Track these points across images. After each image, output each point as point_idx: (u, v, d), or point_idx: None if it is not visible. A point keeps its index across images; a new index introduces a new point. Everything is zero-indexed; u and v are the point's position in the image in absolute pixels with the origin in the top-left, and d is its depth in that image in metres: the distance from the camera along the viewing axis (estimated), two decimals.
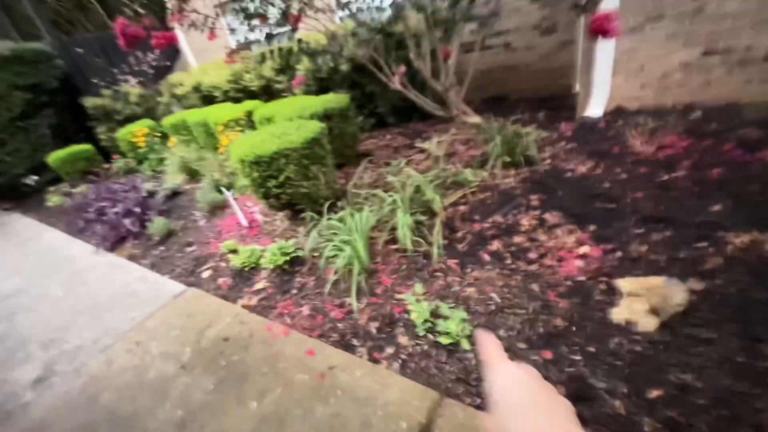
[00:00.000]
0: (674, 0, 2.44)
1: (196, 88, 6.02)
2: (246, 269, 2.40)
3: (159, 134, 5.65)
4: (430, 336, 1.66)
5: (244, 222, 2.92)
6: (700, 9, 2.40)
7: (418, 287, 1.84)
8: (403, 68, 2.62)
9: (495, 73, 4.66)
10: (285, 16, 2.85)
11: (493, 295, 1.80)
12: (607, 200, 2.17)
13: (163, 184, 4.25)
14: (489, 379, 0.44)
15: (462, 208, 2.42)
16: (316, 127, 2.56)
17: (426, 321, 1.69)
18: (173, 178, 4.46)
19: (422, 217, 2.23)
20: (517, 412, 0.39)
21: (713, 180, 2.03)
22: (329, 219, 2.34)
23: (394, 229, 2.20)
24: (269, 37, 3.24)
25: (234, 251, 2.66)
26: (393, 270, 2.11)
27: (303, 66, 4.56)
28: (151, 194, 4.04)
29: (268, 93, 5.46)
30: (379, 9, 2.53)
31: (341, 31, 2.90)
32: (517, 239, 2.15)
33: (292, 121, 2.99)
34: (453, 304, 1.78)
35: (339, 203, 2.66)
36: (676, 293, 1.47)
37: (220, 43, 6.88)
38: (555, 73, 4.32)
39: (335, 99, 3.40)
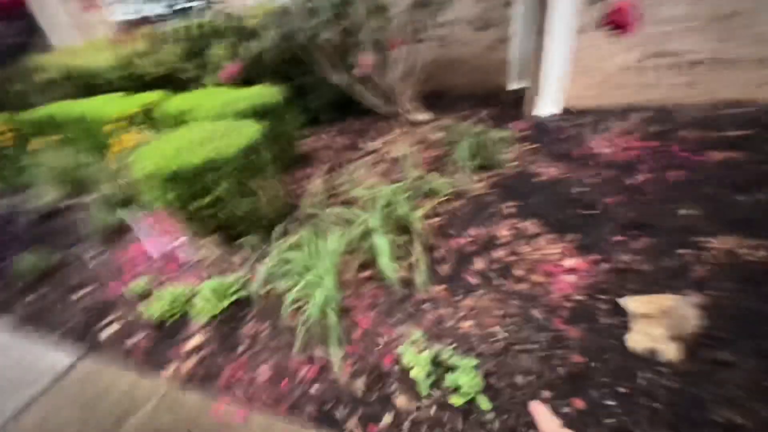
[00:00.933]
0: None
1: (68, 74, 4.76)
2: (169, 321, 1.81)
3: (14, 133, 4.32)
4: (435, 392, 1.36)
5: (156, 253, 2.25)
6: (646, 11, 2.45)
7: (416, 334, 1.51)
8: (369, 59, 2.22)
9: (430, 68, 4.48)
10: None
11: (496, 328, 1.56)
12: (583, 206, 2.09)
13: (29, 203, 3.20)
14: None
15: (435, 220, 2.15)
16: (251, 130, 2.03)
17: (429, 375, 1.37)
18: (45, 193, 3.40)
19: (396, 237, 1.89)
20: None
21: (676, 182, 2.07)
22: (280, 244, 1.87)
23: (366, 253, 1.83)
24: (180, 11, 2.54)
25: (147, 295, 2.01)
26: (370, 305, 1.74)
27: (217, 51, 3.83)
28: (11, 218, 2.99)
29: (170, 83, 4.53)
30: None
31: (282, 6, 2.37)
32: (499, 253, 1.96)
33: (215, 121, 2.38)
34: (453, 346, 1.50)
35: (287, 223, 2.19)
36: (690, 314, 1.38)
37: (97, 18, 5.57)
38: (490, 70, 4.30)
39: (267, 93, 2.84)
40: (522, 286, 1.76)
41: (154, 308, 1.80)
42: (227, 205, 1.93)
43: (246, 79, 4.02)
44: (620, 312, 1.53)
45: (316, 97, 4.02)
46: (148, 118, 3.47)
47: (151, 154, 1.90)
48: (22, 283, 2.31)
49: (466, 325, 1.59)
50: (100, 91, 4.59)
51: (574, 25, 2.60)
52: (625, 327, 1.47)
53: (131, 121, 3.41)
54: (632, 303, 1.50)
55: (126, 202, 2.86)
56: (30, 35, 6.23)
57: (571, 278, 1.77)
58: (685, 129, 2.44)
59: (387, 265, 1.61)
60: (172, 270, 2.16)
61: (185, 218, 1.95)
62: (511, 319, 1.59)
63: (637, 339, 1.39)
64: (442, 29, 4.17)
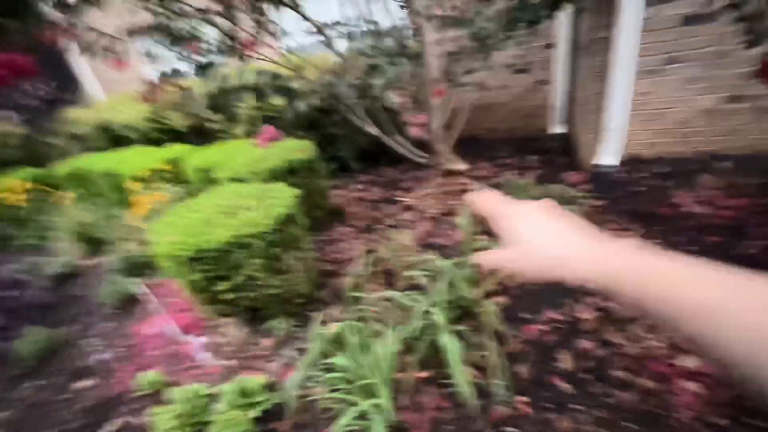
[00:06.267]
0: (695, 41, 2.19)
1: (103, 127, 4.82)
2: None
3: (49, 188, 4.30)
4: None
5: (173, 334, 1.96)
6: (721, 53, 2.16)
7: None
8: (423, 117, 2.00)
9: (466, 113, 4.29)
10: (232, 41, 2.09)
11: None
12: None
13: (43, 265, 3.02)
14: (505, 224, 0.42)
15: (501, 299, 1.79)
16: (287, 195, 1.78)
17: None
18: (64, 253, 3.24)
19: (460, 326, 1.53)
20: (547, 236, 0.39)
21: None
22: (318, 333, 1.54)
23: (425, 349, 1.47)
24: (203, 68, 2.43)
25: (159, 391, 1.69)
26: (433, 422, 1.36)
27: (248, 104, 3.75)
28: (22, 283, 2.79)
29: (198, 135, 4.49)
30: (376, 31, 1.87)
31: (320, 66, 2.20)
32: (586, 344, 1.57)
33: (245, 182, 2.16)
34: None
35: (325, 302, 1.87)
36: None
37: (133, 73, 5.75)
38: (529, 113, 4.07)
39: (298, 147, 2.64)
40: (630, 397, 1.35)
41: (166, 418, 1.47)
42: (258, 286, 1.64)
43: None
44: None
45: (346, 145, 3.85)
46: (173, 173, 3.35)
47: (173, 226, 1.65)
48: (21, 368, 2.04)
49: None
50: (131, 143, 4.60)
51: (640, 68, 2.33)
52: None
53: (156, 175, 3.29)
54: None
55: (145, 266, 2.63)
56: (67, 90, 6.52)
57: (695, 387, 1.35)
58: None
59: (460, 374, 1.24)
60: (189, 357, 1.84)
61: (208, 302, 1.66)
62: None
63: None
64: (479, 73, 4.03)
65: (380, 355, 1.29)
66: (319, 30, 1.90)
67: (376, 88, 1.58)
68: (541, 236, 0.40)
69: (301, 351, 1.69)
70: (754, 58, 2.15)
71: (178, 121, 4.34)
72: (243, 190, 1.89)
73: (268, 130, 2.06)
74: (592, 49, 2.67)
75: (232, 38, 2.11)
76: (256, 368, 1.68)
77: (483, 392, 1.40)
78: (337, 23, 1.83)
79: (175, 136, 4.46)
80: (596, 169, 2.63)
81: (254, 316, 1.82)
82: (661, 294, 0.30)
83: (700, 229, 1.90)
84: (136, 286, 2.41)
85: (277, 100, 3.66)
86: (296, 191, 1.82)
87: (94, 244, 3.26)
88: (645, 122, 2.49)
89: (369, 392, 1.27)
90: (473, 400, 1.31)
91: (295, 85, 1.72)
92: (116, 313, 2.34)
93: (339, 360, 1.36)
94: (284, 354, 1.68)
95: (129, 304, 2.37)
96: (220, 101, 2.70)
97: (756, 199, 1.99)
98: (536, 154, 3.54)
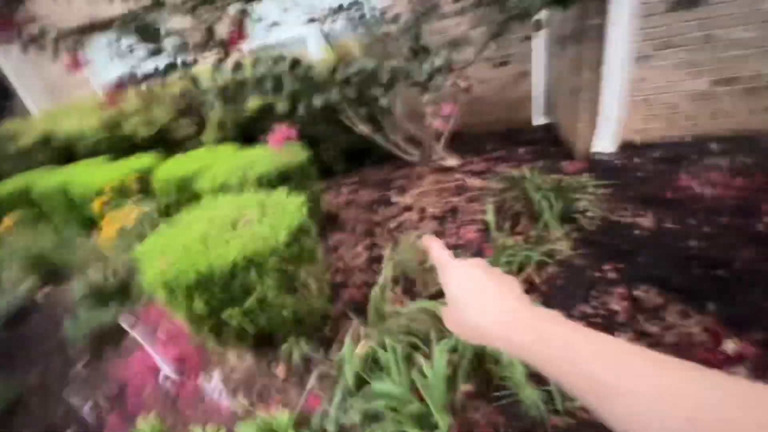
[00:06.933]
0: (683, 26, 2.22)
1: (47, 140, 4.29)
2: None
3: None
4: None
5: (167, 370, 1.70)
6: (709, 37, 2.21)
7: None
8: (449, 108, 1.86)
9: (462, 107, 4.23)
10: (210, 35, 1.85)
11: None
12: (711, 264, 1.68)
13: None
14: (443, 280, 0.46)
15: (534, 296, 1.70)
16: (294, 204, 1.58)
17: None
18: (15, 285, 2.81)
19: None
20: (471, 300, 0.41)
21: None
22: (344, 355, 1.38)
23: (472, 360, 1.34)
24: (171, 67, 2.16)
25: None
26: None
27: (216, 109, 3.45)
28: None
29: (161, 143, 4.10)
30: (392, 17, 1.72)
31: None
32: (626, 336, 1.51)
33: (240, 192, 1.93)
34: None
35: (343, 318, 1.70)
36: None
37: (82, 78, 5.20)
38: (512, 106, 4.07)
39: (289, 150, 2.43)
40: None
41: None
42: (271, 308, 1.44)
43: (247, 134, 3.63)
44: None
45: (330, 146, 3.65)
46: (141, 186, 3.01)
47: (164, 247, 1.41)
48: None
49: None
50: (82, 157, 4.12)
51: (633, 55, 2.34)
52: None
53: (122, 191, 2.93)
54: None
55: (119, 294, 2.31)
56: (6, 97, 5.80)
57: (743, 371, 1.33)
58: None
59: (522, 386, 1.13)
60: (189, 395, 1.60)
61: (212, 330, 1.44)
62: None
63: None
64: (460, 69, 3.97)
65: (429, 374, 1.14)
66: (312, 18, 1.71)
67: (422, 73, 1.42)
68: (464, 300, 0.42)
69: (324, 378, 1.51)
70: (737, 41, 2.23)
71: (138, 129, 3.94)
72: (239, 201, 1.67)
73: (282, 129, 1.85)
74: (581, 37, 2.67)
75: (210, 31, 1.87)
76: (275, 403, 1.48)
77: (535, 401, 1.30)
78: (340, 7, 1.66)
79: (134, 146, 4.05)
80: (594, 157, 2.63)
81: (265, 341, 1.61)
82: (553, 367, 0.31)
83: (711, 211, 1.91)
84: (111, 317, 2.11)
85: (252, 104, 3.39)
86: (302, 198, 1.63)
87: (51, 272, 2.86)
88: (637, 108, 2.51)
89: (421, 419, 1.12)
90: (535, 411, 1.20)
91: (316, 73, 1.52)
92: (95, 349, 2.02)
93: (379, 385, 1.20)
94: (305, 383, 1.49)
95: (104, 339, 2.05)
96: (236, 95, 2.40)
97: (761, 178, 2.03)
98: (524, 145, 3.53)
